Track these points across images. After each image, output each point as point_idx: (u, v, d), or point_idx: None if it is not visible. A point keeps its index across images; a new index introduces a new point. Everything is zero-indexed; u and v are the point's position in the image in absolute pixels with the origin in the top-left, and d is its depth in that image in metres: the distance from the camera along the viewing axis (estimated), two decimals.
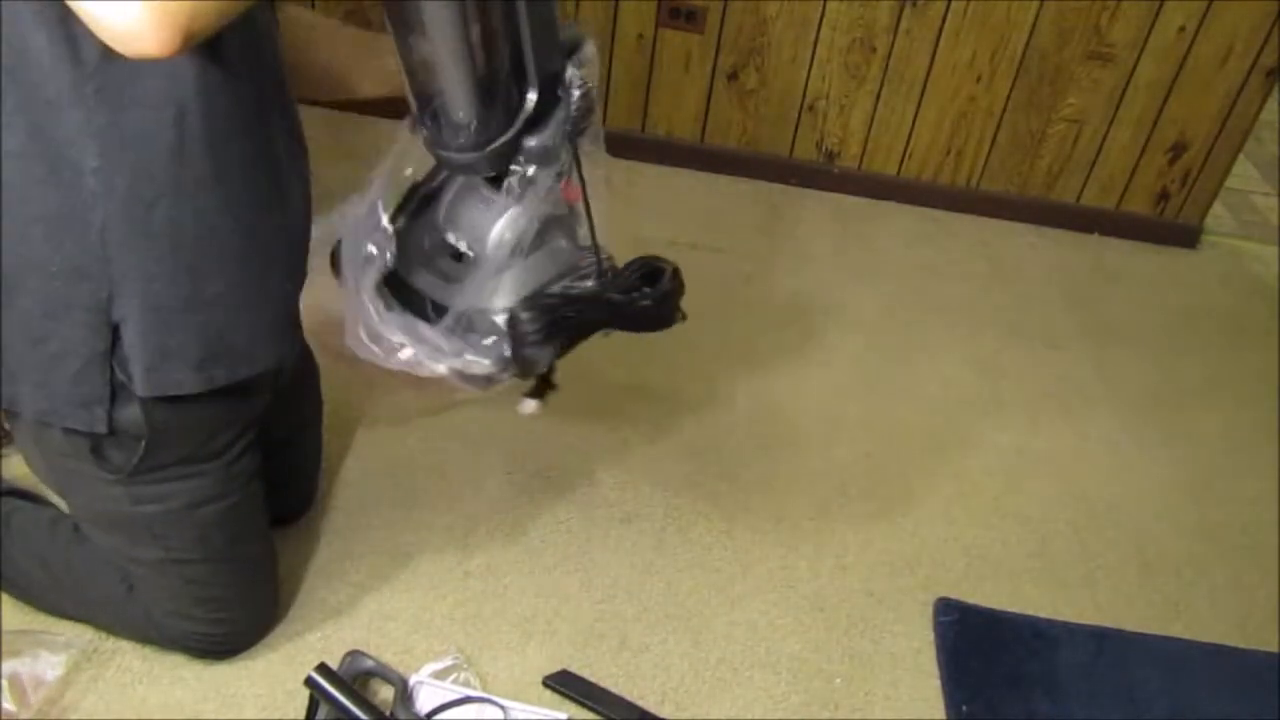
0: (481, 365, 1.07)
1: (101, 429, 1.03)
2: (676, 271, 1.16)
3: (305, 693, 1.17)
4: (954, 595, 1.51)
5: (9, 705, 1.15)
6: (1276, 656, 1.51)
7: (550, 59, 1.02)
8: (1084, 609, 1.53)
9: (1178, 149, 2.44)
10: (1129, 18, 2.25)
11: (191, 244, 0.99)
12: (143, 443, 1.05)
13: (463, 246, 1.08)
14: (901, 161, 2.49)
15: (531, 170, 1.04)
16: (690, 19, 2.30)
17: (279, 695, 1.23)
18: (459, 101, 0.98)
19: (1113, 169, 2.47)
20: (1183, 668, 1.47)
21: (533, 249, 1.08)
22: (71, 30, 0.85)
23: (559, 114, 1.04)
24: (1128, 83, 2.34)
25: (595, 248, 1.10)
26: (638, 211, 2.29)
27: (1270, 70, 2.30)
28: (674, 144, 2.47)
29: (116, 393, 1.02)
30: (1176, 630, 1.53)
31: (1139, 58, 2.30)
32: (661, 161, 2.48)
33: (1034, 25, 2.27)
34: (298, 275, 1.14)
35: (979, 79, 2.35)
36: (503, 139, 1.01)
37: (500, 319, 1.07)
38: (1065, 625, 1.49)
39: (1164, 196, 2.52)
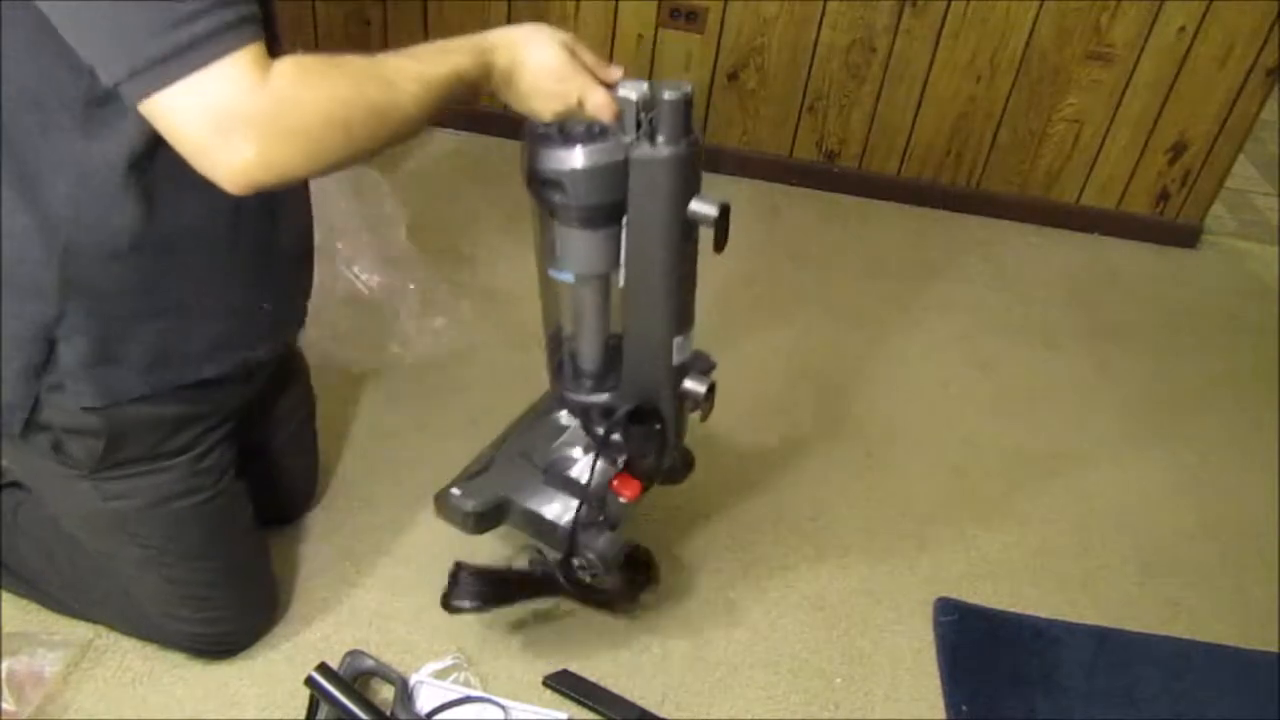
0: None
1: (15, 430, 1.04)
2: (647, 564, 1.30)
3: (305, 693, 1.17)
4: (954, 595, 1.51)
5: (8, 705, 1.15)
6: (1276, 656, 1.51)
7: (648, 388, 1.15)
8: (1084, 609, 1.53)
9: (1178, 149, 2.43)
10: (1129, 18, 2.25)
11: (152, 260, 0.98)
12: (102, 441, 1.05)
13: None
14: (901, 161, 2.49)
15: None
16: (690, 19, 2.30)
17: (279, 695, 1.23)
18: (591, 353, 1.17)
19: (1113, 169, 2.47)
20: (1183, 668, 1.47)
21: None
22: (57, 66, 0.84)
23: (633, 442, 1.18)
24: (1128, 83, 2.34)
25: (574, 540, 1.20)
26: None
27: (1270, 70, 2.30)
28: None
29: (42, 402, 1.02)
30: (1176, 630, 1.53)
31: (1139, 58, 2.30)
32: None
33: (1034, 25, 2.27)
34: (280, 284, 1.14)
35: (979, 79, 2.35)
36: (574, 397, 1.20)
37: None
38: (1065, 625, 1.49)
39: (1164, 196, 2.52)
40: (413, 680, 1.25)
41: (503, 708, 1.23)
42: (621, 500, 1.18)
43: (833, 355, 1.98)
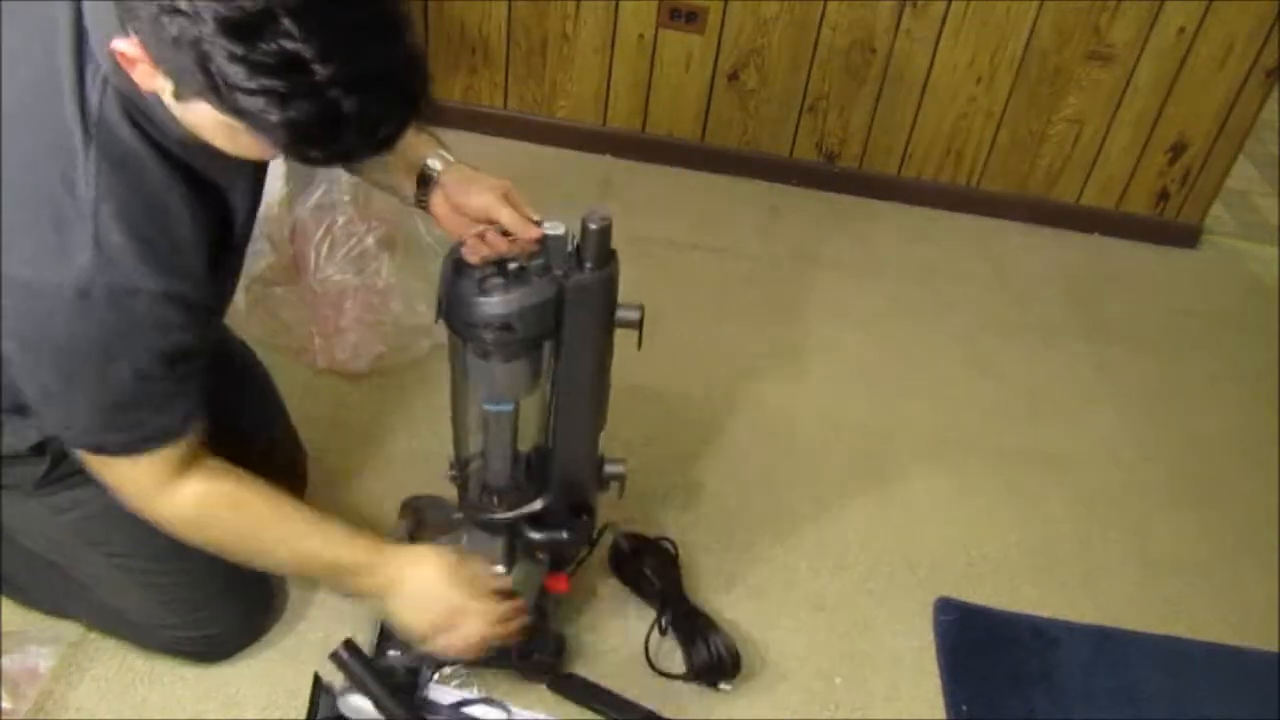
0: None
1: None
2: None
3: (306, 692, 1.17)
4: (954, 595, 1.51)
5: (7, 704, 1.15)
6: (1276, 656, 1.51)
7: (579, 484, 1.23)
8: (1084, 609, 1.53)
9: (1178, 149, 2.44)
10: (1129, 18, 2.25)
11: None
12: (45, 464, 1.07)
13: None
14: (901, 161, 2.49)
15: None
16: (690, 19, 2.30)
17: (279, 695, 1.23)
18: (500, 468, 1.19)
19: (1113, 169, 2.48)
20: (1183, 668, 1.47)
21: None
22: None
23: (575, 535, 1.24)
24: (1128, 83, 2.34)
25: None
26: (638, 211, 2.29)
27: (1270, 70, 2.30)
28: (674, 144, 2.47)
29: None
30: (1176, 630, 1.53)
31: (1139, 58, 2.30)
32: (662, 161, 2.48)
33: (1034, 26, 2.27)
34: None
35: (979, 79, 2.35)
36: (506, 515, 1.21)
37: None
38: (1065, 625, 1.49)
39: (1164, 196, 2.52)
40: None
41: (507, 710, 1.23)
42: (553, 595, 1.28)
43: (832, 355, 1.98)
